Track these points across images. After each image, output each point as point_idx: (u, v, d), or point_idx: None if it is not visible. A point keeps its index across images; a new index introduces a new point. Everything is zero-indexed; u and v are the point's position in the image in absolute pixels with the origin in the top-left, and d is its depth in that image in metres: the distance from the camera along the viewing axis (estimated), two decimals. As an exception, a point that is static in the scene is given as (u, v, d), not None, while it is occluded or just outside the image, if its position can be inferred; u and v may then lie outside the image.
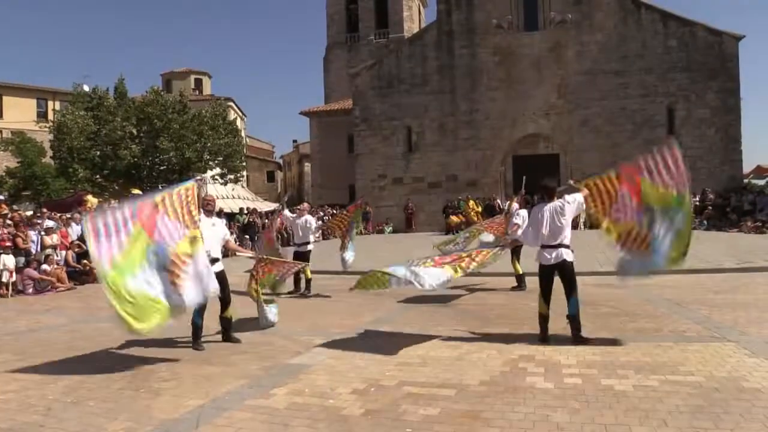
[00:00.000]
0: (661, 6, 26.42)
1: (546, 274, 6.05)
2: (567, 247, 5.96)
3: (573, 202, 6.03)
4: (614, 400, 4.19)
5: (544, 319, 6.07)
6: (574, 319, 5.94)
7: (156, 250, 5.50)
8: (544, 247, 6.02)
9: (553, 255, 5.94)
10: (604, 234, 6.18)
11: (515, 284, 10.12)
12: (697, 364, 4.99)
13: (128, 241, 5.35)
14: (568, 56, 26.51)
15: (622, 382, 4.57)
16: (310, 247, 10.51)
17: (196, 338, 6.26)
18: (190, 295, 5.57)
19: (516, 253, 9.91)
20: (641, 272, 6.18)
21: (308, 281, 10.32)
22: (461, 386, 4.63)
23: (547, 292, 6.04)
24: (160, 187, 20.41)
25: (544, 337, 6.05)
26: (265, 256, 7.85)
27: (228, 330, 6.54)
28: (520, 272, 9.99)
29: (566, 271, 5.96)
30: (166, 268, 5.49)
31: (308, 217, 10.76)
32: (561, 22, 26.44)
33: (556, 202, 6.03)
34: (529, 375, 4.88)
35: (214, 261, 6.17)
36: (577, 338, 5.90)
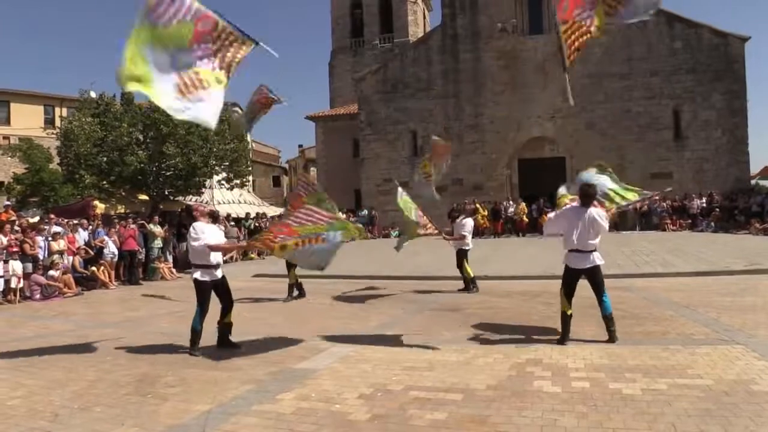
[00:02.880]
0: (666, 8, 26.34)
1: (575, 277, 6.13)
2: (596, 251, 6.05)
3: (604, 218, 6.16)
4: (622, 404, 4.17)
5: (568, 317, 6.09)
6: (609, 318, 6.02)
7: (187, 53, 5.44)
8: (574, 251, 6.07)
9: (586, 260, 6.02)
10: (604, 19, 6.20)
11: (463, 287, 10.47)
12: (706, 368, 4.96)
13: (175, 25, 5.35)
14: (572, 59, 26.44)
15: (629, 386, 4.55)
16: None
17: (193, 344, 6.24)
18: (196, 109, 5.43)
19: (464, 256, 10.40)
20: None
21: (299, 285, 10.36)
22: (468, 391, 4.62)
23: (571, 293, 6.12)
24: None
25: (564, 338, 6.05)
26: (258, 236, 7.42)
27: (227, 336, 6.53)
28: (472, 275, 10.40)
29: (597, 276, 6.06)
30: (180, 73, 5.42)
31: None
32: (565, 25, 26.40)
33: (595, 210, 6.08)
34: (536, 379, 4.86)
35: (217, 266, 6.40)
36: (612, 336, 5.99)
